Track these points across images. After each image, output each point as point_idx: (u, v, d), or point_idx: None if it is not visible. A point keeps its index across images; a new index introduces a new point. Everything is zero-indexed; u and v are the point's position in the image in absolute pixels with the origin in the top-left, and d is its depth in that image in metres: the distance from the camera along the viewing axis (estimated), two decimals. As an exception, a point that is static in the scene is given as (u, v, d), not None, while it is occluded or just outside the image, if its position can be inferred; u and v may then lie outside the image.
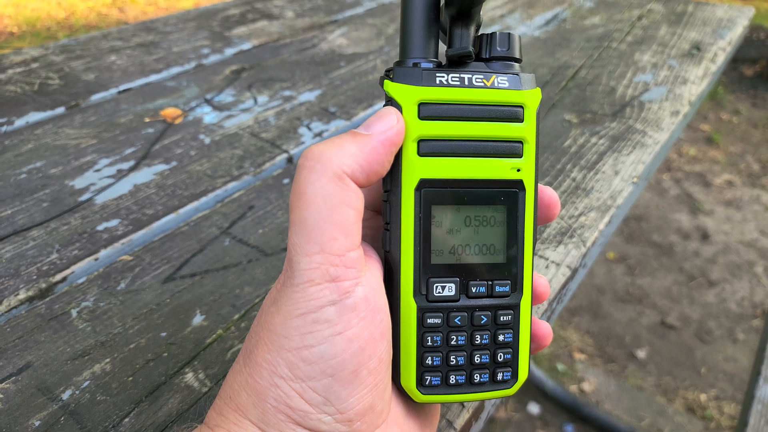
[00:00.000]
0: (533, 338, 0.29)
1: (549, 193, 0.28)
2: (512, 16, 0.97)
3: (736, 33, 0.92)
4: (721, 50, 0.84)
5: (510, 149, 0.26)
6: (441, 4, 0.26)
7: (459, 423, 0.33)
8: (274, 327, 0.23)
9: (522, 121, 0.26)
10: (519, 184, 0.26)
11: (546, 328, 0.29)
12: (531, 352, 0.29)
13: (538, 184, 0.28)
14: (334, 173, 0.23)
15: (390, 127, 0.24)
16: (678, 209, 1.96)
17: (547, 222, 0.29)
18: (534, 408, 1.29)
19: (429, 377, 0.26)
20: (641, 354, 1.43)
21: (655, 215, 1.93)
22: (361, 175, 0.23)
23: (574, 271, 0.45)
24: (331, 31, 0.89)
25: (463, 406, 0.34)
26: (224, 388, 0.24)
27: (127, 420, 0.31)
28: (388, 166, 0.24)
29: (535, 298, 0.29)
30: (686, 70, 0.77)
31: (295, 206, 0.23)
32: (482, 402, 0.35)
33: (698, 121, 2.49)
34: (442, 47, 0.27)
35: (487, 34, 0.26)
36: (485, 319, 0.26)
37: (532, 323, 0.28)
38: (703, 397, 1.32)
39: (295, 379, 0.22)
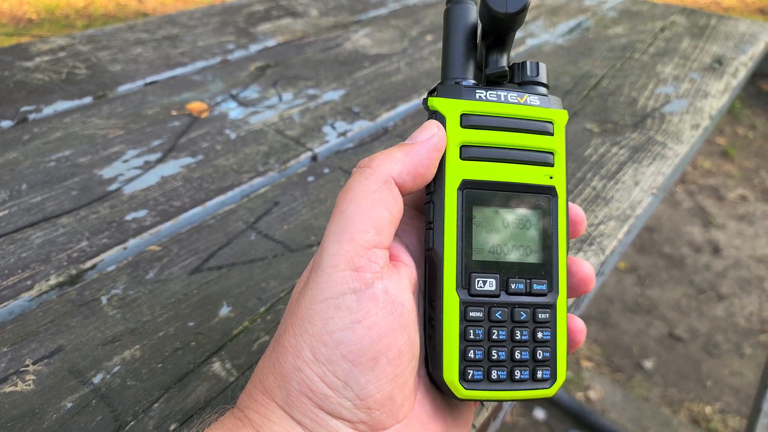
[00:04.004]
0: (568, 333, 0.29)
1: (576, 210, 0.30)
2: (535, 23, 0.97)
3: (758, 48, 0.91)
4: (742, 65, 0.84)
5: (543, 158, 0.28)
6: (478, 35, 0.29)
7: (479, 421, 0.33)
8: (299, 312, 0.24)
9: (552, 135, 0.28)
10: (552, 191, 0.28)
11: (579, 323, 0.30)
12: (567, 350, 0.29)
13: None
14: (381, 177, 0.25)
15: (432, 135, 0.27)
16: (690, 222, 1.95)
17: (573, 238, 0.30)
18: (540, 413, 1.29)
19: (471, 371, 0.26)
20: (648, 365, 1.42)
21: (667, 227, 1.92)
22: (408, 177, 0.25)
23: (593, 280, 0.45)
24: (355, 31, 0.90)
25: (482, 405, 0.34)
26: (256, 371, 0.26)
27: (156, 405, 0.32)
28: (433, 171, 0.27)
29: (582, 286, 0.29)
30: (707, 84, 0.77)
31: (339, 201, 0.25)
32: (500, 402, 0.35)
33: (714, 134, 2.48)
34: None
35: (518, 63, 0.30)
36: (524, 315, 0.27)
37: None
38: (708, 409, 1.32)
39: (317, 363, 0.23)
